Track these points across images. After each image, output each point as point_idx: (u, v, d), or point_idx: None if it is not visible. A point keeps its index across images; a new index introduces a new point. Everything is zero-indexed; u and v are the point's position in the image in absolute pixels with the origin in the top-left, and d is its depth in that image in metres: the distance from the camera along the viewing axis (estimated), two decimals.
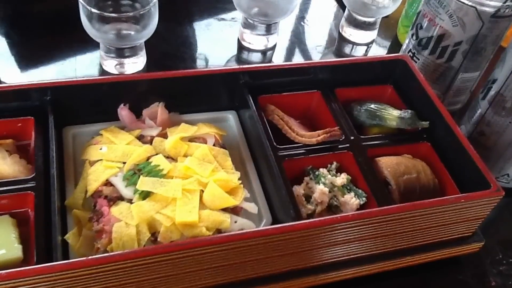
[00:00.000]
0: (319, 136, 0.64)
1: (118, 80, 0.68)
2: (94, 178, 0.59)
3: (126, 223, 0.55)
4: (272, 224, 0.61)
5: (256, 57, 0.91)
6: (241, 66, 0.70)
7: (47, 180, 0.57)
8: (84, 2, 0.74)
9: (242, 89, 0.69)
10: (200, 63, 0.89)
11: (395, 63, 0.75)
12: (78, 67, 0.85)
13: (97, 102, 0.67)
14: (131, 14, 0.79)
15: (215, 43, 0.93)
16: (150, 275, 0.52)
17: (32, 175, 0.58)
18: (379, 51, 0.95)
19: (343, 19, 0.95)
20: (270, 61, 0.92)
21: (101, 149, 0.61)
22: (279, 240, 0.53)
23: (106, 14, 0.76)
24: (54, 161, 0.58)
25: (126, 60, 0.83)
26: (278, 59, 0.92)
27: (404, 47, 0.85)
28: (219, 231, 0.57)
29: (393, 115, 0.68)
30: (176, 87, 0.69)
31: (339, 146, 0.66)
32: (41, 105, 0.64)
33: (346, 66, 0.74)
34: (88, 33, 0.78)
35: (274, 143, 0.64)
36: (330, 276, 0.60)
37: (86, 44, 0.81)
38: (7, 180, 0.57)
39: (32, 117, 0.63)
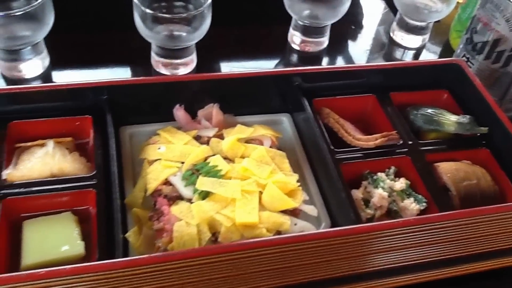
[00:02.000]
0: (376, 140, 0.63)
1: (173, 81, 0.69)
2: (154, 177, 0.59)
3: (186, 222, 0.55)
4: (331, 228, 0.60)
5: (305, 60, 0.91)
6: (295, 68, 0.70)
7: (108, 178, 0.57)
8: (139, 2, 0.75)
9: (297, 91, 0.69)
10: (249, 66, 0.89)
11: (450, 68, 0.73)
12: (130, 68, 0.85)
13: (152, 102, 0.67)
14: (183, 15, 0.79)
15: (264, 45, 0.92)
16: (210, 275, 0.51)
17: (93, 173, 0.58)
18: (430, 56, 0.94)
19: (394, 23, 0.94)
20: (319, 64, 0.91)
21: (159, 148, 0.62)
22: (340, 243, 0.53)
23: (159, 15, 0.76)
24: (115, 159, 0.58)
25: (177, 61, 0.83)
26: (327, 62, 0.91)
27: (457, 52, 0.83)
28: (278, 233, 0.56)
29: (451, 120, 0.67)
30: (230, 89, 0.69)
31: (397, 151, 0.65)
32: (97, 104, 0.64)
33: (401, 69, 0.73)
34: (141, 33, 0.78)
35: (331, 146, 0.63)
36: (386, 282, 0.59)
37: (138, 44, 0.82)
38: (69, 177, 0.58)
39: (90, 116, 0.64)
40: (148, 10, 0.75)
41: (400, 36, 0.94)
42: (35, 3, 0.71)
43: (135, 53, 0.86)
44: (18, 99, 0.61)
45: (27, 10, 0.71)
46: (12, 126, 0.61)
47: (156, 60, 0.83)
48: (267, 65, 0.91)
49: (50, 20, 0.75)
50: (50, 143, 0.59)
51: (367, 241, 0.53)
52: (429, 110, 0.69)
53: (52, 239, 0.53)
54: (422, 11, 0.88)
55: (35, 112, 0.62)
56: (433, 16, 0.89)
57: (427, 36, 0.93)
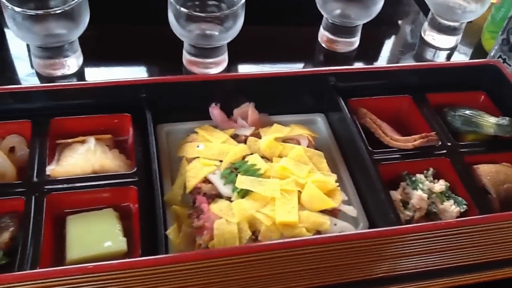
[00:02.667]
0: (415, 141, 0.63)
1: (210, 79, 0.69)
2: (193, 175, 0.59)
3: (227, 220, 0.55)
4: (369, 229, 0.60)
5: (335, 60, 0.90)
6: (331, 68, 0.70)
7: (149, 175, 0.58)
8: (173, 0, 0.75)
9: (332, 91, 0.69)
10: (278, 65, 0.89)
11: (487, 69, 0.73)
12: (161, 66, 0.86)
13: (188, 101, 0.68)
14: (217, 14, 0.79)
15: (294, 45, 0.92)
16: (250, 273, 0.52)
17: (134, 170, 0.58)
18: (462, 57, 0.93)
19: (425, 23, 0.93)
20: (349, 64, 0.91)
21: (198, 146, 0.62)
22: (383, 244, 0.52)
23: (193, 13, 0.76)
24: (156, 156, 0.58)
25: (208, 61, 0.83)
26: (357, 62, 0.91)
27: (492, 52, 0.82)
28: (318, 233, 0.56)
29: (490, 122, 0.66)
30: (265, 88, 0.69)
31: (435, 152, 0.64)
32: (136, 102, 0.65)
33: (437, 70, 0.72)
34: (174, 31, 0.79)
35: (369, 147, 0.63)
36: (422, 284, 0.59)
37: (170, 43, 0.82)
38: (110, 174, 0.58)
39: (129, 114, 0.64)
40: (182, 9, 0.75)
41: (431, 37, 0.93)
42: (73, 2, 0.72)
43: (166, 52, 0.86)
44: (60, 96, 0.62)
45: (65, 9, 0.71)
46: (53, 123, 0.62)
47: (187, 59, 0.83)
48: (296, 65, 0.91)
49: (85, 19, 0.76)
50: (92, 140, 0.60)
51: (409, 242, 0.53)
52: (467, 112, 0.68)
53: (95, 234, 0.53)
54: (456, 11, 0.88)
55: (75, 109, 0.63)
56: (466, 16, 0.88)
57: (459, 37, 0.93)
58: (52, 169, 0.57)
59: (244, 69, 0.87)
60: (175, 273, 0.48)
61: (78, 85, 0.63)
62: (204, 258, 0.48)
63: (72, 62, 0.80)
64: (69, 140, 0.61)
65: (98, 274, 0.45)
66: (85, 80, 0.80)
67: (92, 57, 0.83)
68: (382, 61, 0.92)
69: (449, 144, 0.65)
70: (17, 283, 0.44)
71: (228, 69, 0.85)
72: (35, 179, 0.56)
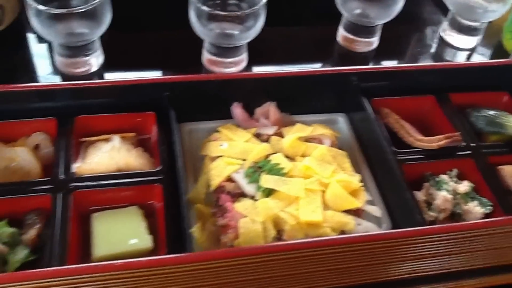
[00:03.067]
0: (440, 141, 0.63)
1: (233, 78, 0.70)
2: (217, 173, 0.59)
3: (251, 219, 0.55)
4: (392, 229, 0.60)
5: (354, 59, 0.90)
6: (354, 67, 0.70)
7: (173, 173, 0.58)
8: None
9: (356, 90, 0.68)
10: (297, 65, 0.89)
11: (510, 69, 0.72)
12: (181, 66, 0.86)
13: (210, 100, 0.68)
14: (238, 13, 0.79)
15: (312, 44, 0.92)
16: (275, 272, 0.52)
17: (159, 168, 0.58)
18: (482, 57, 0.92)
19: (445, 23, 0.93)
20: (369, 64, 0.90)
21: (221, 145, 0.62)
22: (408, 244, 0.52)
23: (214, 12, 0.76)
24: (181, 155, 0.58)
25: (228, 60, 0.83)
26: (377, 62, 0.90)
27: None
28: (342, 232, 0.56)
29: None
30: (287, 87, 0.69)
31: (459, 153, 0.64)
32: (159, 101, 0.65)
33: (460, 70, 0.72)
34: (195, 30, 0.79)
35: (393, 147, 0.62)
36: (448, 286, 0.58)
37: (189, 43, 0.82)
38: (135, 172, 0.58)
39: (154, 112, 0.64)
40: (204, 7, 0.75)
41: (451, 37, 0.92)
42: (96, 1, 0.72)
43: (186, 51, 0.86)
44: (84, 94, 0.62)
45: (88, 8, 0.72)
46: (78, 121, 0.62)
47: (207, 58, 0.83)
48: (314, 65, 0.90)
49: (107, 18, 0.76)
50: (116, 138, 0.60)
51: (435, 242, 0.52)
52: (491, 112, 0.68)
53: (121, 232, 0.54)
54: (477, 11, 0.87)
55: (99, 107, 0.63)
56: (487, 16, 0.87)
57: (480, 37, 0.92)
58: (78, 167, 0.57)
59: (263, 69, 0.86)
60: (202, 271, 0.49)
61: (103, 83, 0.64)
62: (234, 256, 0.48)
63: (93, 61, 0.80)
64: (94, 138, 0.61)
65: (127, 271, 0.45)
66: (104, 79, 0.80)
67: (113, 56, 0.83)
68: (401, 61, 0.91)
69: (473, 144, 0.65)
70: (47, 279, 0.44)
71: (247, 69, 0.85)
72: (61, 176, 0.57)
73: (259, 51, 0.86)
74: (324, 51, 0.92)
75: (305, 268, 0.52)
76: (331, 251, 0.51)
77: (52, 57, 0.80)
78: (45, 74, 0.81)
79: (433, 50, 0.93)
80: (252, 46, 0.82)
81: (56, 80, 0.79)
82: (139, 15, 0.93)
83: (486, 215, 0.60)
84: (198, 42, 0.81)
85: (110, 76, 0.82)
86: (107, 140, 0.61)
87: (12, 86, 0.60)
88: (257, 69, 0.86)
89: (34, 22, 0.72)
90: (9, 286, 0.43)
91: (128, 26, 0.90)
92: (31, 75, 0.79)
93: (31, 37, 0.85)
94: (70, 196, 0.55)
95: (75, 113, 0.62)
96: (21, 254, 0.51)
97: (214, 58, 0.82)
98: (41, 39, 0.76)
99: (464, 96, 0.71)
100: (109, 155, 0.58)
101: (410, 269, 0.56)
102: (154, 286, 0.48)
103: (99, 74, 0.81)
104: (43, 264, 0.50)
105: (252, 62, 0.85)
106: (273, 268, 0.51)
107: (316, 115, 0.71)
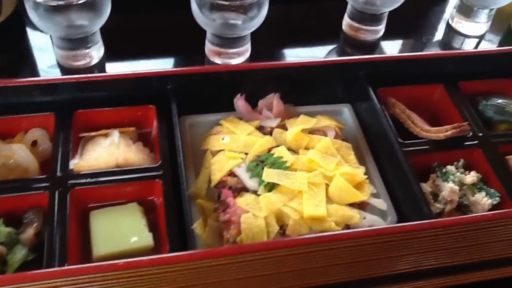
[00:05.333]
0: (447, 131, 0.61)
1: (236, 69, 0.68)
2: (218, 168, 0.58)
3: (254, 214, 0.54)
4: (398, 223, 0.58)
5: (360, 48, 0.88)
6: (360, 57, 0.68)
7: (174, 168, 0.57)
8: None
9: (362, 80, 0.67)
10: (302, 54, 0.87)
11: None
12: (183, 57, 0.85)
13: (212, 92, 0.66)
14: (240, 3, 0.77)
15: (317, 33, 0.90)
16: (279, 268, 0.50)
17: (159, 163, 0.57)
18: (491, 44, 0.90)
19: (454, 10, 0.91)
20: (375, 52, 0.88)
21: (223, 139, 0.61)
22: (416, 238, 0.51)
23: (216, 1, 0.75)
24: (181, 149, 0.57)
25: (231, 51, 0.82)
26: (383, 51, 0.88)
27: None
28: (347, 227, 0.55)
29: None
30: (291, 78, 0.68)
31: (467, 143, 0.62)
32: (160, 94, 0.63)
33: (469, 58, 0.70)
34: (197, 20, 0.77)
35: (399, 138, 0.61)
36: (458, 278, 0.57)
37: (191, 34, 0.81)
38: (135, 167, 0.57)
39: (154, 105, 0.63)
40: None
41: (460, 24, 0.90)
42: None
43: (188, 42, 0.85)
44: (83, 88, 0.61)
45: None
46: (77, 116, 0.61)
47: (210, 49, 0.82)
48: (320, 54, 0.88)
49: (107, 10, 0.75)
50: (115, 133, 0.59)
51: (444, 235, 0.51)
52: (500, 100, 0.66)
53: (121, 230, 0.53)
54: None
55: (98, 101, 0.62)
56: (497, 2, 0.85)
57: (489, 23, 0.90)
58: (76, 163, 0.56)
59: (267, 59, 0.85)
60: (206, 268, 0.47)
61: (101, 77, 0.62)
62: (236, 253, 0.47)
63: (94, 53, 0.79)
64: (93, 133, 0.60)
65: (130, 271, 0.44)
66: (107, 72, 0.79)
67: (113, 48, 0.82)
68: (408, 50, 0.89)
69: (481, 134, 0.63)
70: (49, 280, 0.43)
71: (250, 59, 0.83)
72: (58, 173, 0.56)
73: (263, 41, 0.85)
74: (329, 40, 0.90)
75: (310, 263, 0.51)
76: (336, 247, 0.50)
77: (51, 50, 0.79)
78: (45, 67, 0.79)
79: (441, 37, 0.91)
80: (256, 36, 0.81)
81: (57, 73, 0.78)
82: (140, 1, 0.91)
83: (494, 206, 0.58)
84: (200, 31, 0.80)
85: (112, 68, 0.80)
86: (106, 135, 0.60)
87: (9, 81, 0.59)
88: (261, 60, 0.84)
89: (32, 15, 0.71)
90: None
91: (129, 12, 0.89)
92: (31, 68, 0.78)
93: (29, 30, 0.84)
94: (67, 194, 0.54)
95: (74, 107, 0.61)
96: (20, 254, 0.50)
97: (217, 48, 0.81)
98: (40, 32, 0.75)
99: (473, 84, 0.69)
100: (108, 151, 0.57)
101: (417, 263, 0.55)
102: (156, 284, 0.47)
103: (100, 66, 0.80)
104: (43, 264, 0.49)
105: (255, 52, 0.83)
106: (276, 265, 0.50)
107: (321, 106, 0.70)
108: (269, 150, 0.60)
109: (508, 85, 0.70)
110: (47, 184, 0.54)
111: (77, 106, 0.61)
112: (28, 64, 0.79)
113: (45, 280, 0.42)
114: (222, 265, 0.47)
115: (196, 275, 0.47)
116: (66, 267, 0.46)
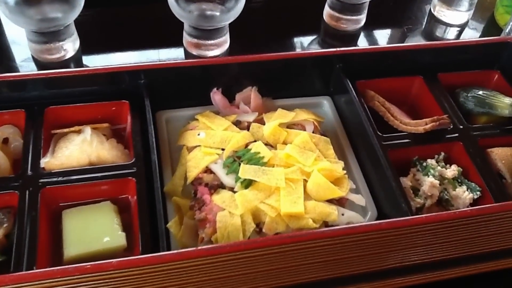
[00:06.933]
0: (426, 124, 0.60)
1: (212, 63, 0.66)
2: (194, 165, 0.57)
3: (230, 212, 0.53)
4: (378, 218, 0.57)
5: (341, 39, 0.87)
6: (338, 49, 0.67)
7: (148, 165, 0.55)
8: None
9: (339, 73, 0.66)
10: (282, 45, 0.86)
11: (502, 47, 0.70)
12: (161, 50, 0.83)
13: (189, 86, 0.65)
14: None
15: (298, 24, 0.89)
16: (256, 268, 0.49)
17: (132, 161, 0.56)
18: (473, 33, 0.89)
19: None
20: (355, 43, 0.87)
21: (199, 134, 0.59)
22: (395, 235, 0.50)
23: None
24: (155, 147, 0.56)
25: (209, 42, 0.80)
26: (364, 41, 0.87)
27: (507, 29, 0.79)
28: (325, 223, 0.54)
29: (504, 102, 0.63)
30: (269, 71, 0.66)
31: (447, 136, 0.62)
32: (134, 89, 0.62)
33: (449, 49, 0.69)
34: (174, 12, 0.76)
35: (378, 132, 0.60)
36: (437, 274, 0.57)
37: (169, 25, 0.79)
38: (107, 165, 0.56)
39: (127, 101, 0.61)
40: None
41: (442, 12, 0.89)
42: None
43: (166, 34, 0.83)
44: (55, 83, 0.59)
45: None
46: (48, 112, 0.59)
47: (188, 41, 0.80)
48: (301, 45, 0.87)
49: (80, 2, 0.73)
50: (87, 130, 0.57)
51: (423, 232, 0.50)
52: (480, 92, 0.65)
53: (93, 229, 0.51)
54: None
55: (70, 97, 0.60)
56: None
57: (471, 12, 0.89)
58: (47, 162, 0.54)
59: (246, 51, 0.83)
60: (178, 270, 0.46)
61: (73, 72, 0.60)
62: (209, 254, 0.46)
63: (69, 46, 0.77)
64: (65, 130, 0.58)
65: (98, 274, 0.42)
66: (81, 66, 0.77)
67: (89, 41, 0.80)
68: (389, 39, 0.88)
69: (461, 127, 0.62)
70: (14, 284, 0.42)
71: (229, 51, 0.82)
72: (29, 172, 0.54)
73: (242, 33, 0.83)
74: (310, 30, 0.89)
75: (285, 262, 0.50)
76: (314, 245, 0.49)
77: (26, 44, 0.77)
78: (20, 61, 0.78)
79: (423, 27, 0.90)
80: (235, 27, 0.79)
81: (31, 67, 0.76)
82: None
83: (475, 200, 0.58)
84: (179, 23, 0.78)
85: (88, 61, 0.79)
86: (79, 131, 0.58)
87: None
88: (240, 51, 0.83)
89: (3, 8, 0.69)
90: None
91: (105, 10, 0.87)
92: (4, 62, 0.76)
93: (4, 23, 0.82)
94: (38, 193, 0.52)
95: (45, 103, 0.59)
96: None
97: (195, 40, 0.79)
98: (12, 25, 0.73)
99: (453, 76, 0.69)
100: (80, 148, 0.55)
101: (397, 259, 0.54)
102: (128, 286, 0.46)
103: (75, 59, 0.78)
104: (12, 267, 0.47)
105: (234, 44, 0.82)
106: (252, 264, 0.49)
107: (300, 99, 0.69)
108: (246, 145, 0.59)
109: (488, 76, 0.69)
110: (17, 184, 0.53)
111: (49, 102, 0.59)
112: (1, 58, 0.77)
113: (9, 285, 0.41)
114: (194, 266, 0.46)
115: (167, 276, 0.45)
116: (31, 271, 0.45)
